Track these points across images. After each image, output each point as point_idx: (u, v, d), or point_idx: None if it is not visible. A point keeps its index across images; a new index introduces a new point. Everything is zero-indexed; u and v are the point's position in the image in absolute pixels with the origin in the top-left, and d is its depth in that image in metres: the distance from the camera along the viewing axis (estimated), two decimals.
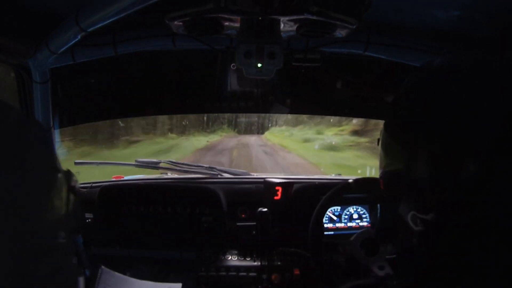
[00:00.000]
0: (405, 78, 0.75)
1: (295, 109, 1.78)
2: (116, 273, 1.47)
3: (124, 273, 1.50)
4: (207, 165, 1.92)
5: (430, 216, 0.62)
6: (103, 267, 1.45)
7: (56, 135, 1.51)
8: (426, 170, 0.62)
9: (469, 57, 0.64)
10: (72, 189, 0.55)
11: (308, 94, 1.72)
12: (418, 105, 0.67)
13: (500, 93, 0.57)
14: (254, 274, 1.58)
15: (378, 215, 1.71)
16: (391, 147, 0.72)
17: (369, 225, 1.73)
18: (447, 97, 0.61)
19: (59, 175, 0.52)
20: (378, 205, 1.72)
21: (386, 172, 0.75)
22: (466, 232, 0.56)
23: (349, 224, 1.73)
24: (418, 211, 0.64)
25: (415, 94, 0.70)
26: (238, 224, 1.69)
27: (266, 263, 1.58)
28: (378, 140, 0.78)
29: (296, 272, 1.57)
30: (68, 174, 0.55)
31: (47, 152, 0.52)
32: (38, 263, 0.46)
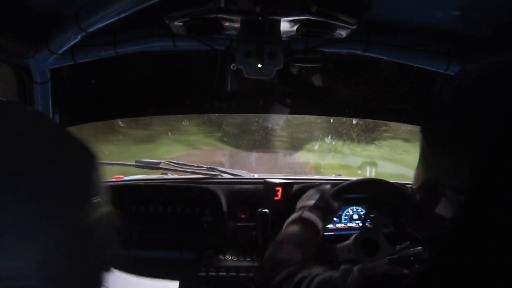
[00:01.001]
0: (406, 79, 0.75)
1: (295, 109, 1.77)
2: (115, 271, 1.47)
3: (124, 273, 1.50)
4: (207, 166, 1.92)
5: (460, 199, 0.62)
6: None
7: None
8: (471, 180, 0.61)
9: (507, 63, 0.64)
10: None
11: (308, 95, 1.72)
12: (464, 115, 0.66)
13: None
14: (254, 274, 1.58)
15: (380, 215, 1.71)
16: (434, 159, 0.72)
17: (369, 225, 1.73)
18: (487, 106, 0.61)
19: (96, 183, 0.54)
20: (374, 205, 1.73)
21: (426, 182, 0.75)
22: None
23: (349, 224, 1.73)
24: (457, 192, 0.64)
25: (458, 105, 0.69)
26: (238, 224, 1.69)
27: None
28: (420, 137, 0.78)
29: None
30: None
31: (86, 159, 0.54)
32: (78, 258, 0.48)
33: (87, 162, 0.53)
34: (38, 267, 0.42)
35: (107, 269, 0.57)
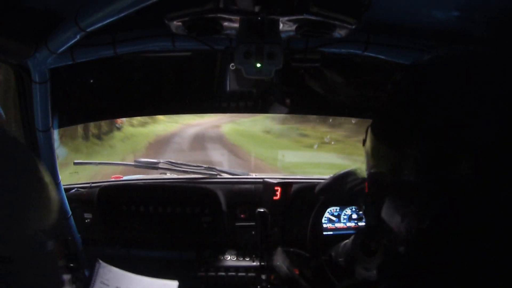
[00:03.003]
0: (392, 77, 0.73)
1: (295, 109, 1.78)
2: (113, 268, 1.47)
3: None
4: (206, 165, 1.92)
5: (425, 224, 0.59)
6: (100, 261, 1.45)
7: (56, 135, 1.51)
8: (414, 172, 0.59)
9: (458, 53, 0.63)
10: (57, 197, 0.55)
11: (308, 94, 1.72)
12: (407, 104, 0.64)
13: (490, 89, 0.56)
14: (253, 274, 1.58)
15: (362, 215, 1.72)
16: (378, 149, 0.70)
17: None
18: (436, 95, 0.60)
19: (46, 188, 0.52)
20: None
21: (371, 174, 0.72)
22: (461, 236, 0.56)
23: (348, 224, 1.73)
24: (403, 208, 0.62)
25: (403, 93, 0.67)
26: (237, 224, 1.69)
27: (265, 263, 1.58)
28: (364, 140, 0.76)
29: (296, 272, 1.57)
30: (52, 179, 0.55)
31: (30, 162, 0.52)
32: (27, 270, 0.46)
33: (28, 168, 0.51)
34: None
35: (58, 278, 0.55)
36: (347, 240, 1.39)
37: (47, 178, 0.53)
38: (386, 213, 0.65)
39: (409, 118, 0.62)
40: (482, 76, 0.58)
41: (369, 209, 0.77)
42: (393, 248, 0.66)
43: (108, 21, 1.00)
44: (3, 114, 1.12)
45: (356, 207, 1.74)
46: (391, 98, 0.69)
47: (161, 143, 11.07)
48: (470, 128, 0.55)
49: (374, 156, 0.70)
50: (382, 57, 1.32)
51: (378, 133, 0.70)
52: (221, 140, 11.69)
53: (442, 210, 0.55)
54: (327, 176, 2.14)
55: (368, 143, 0.73)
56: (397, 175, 0.62)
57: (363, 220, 1.74)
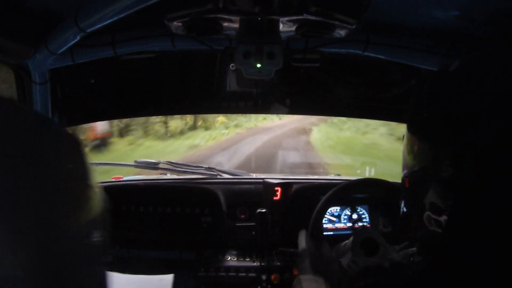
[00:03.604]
0: (405, 79, 0.78)
1: (295, 109, 1.78)
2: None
3: (123, 273, 1.50)
4: (206, 166, 1.92)
5: (443, 218, 0.63)
6: None
7: None
8: (450, 169, 0.63)
9: (488, 56, 0.65)
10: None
11: (308, 94, 1.72)
12: (441, 106, 0.68)
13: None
14: (253, 274, 1.58)
15: (380, 215, 1.71)
16: (416, 148, 0.74)
17: (368, 225, 1.73)
18: (467, 97, 0.62)
19: (90, 185, 0.52)
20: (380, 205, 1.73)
21: (412, 172, 0.76)
22: (480, 234, 0.56)
23: (348, 224, 1.73)
24: (432, 212, 0.66)
25: (436, 96, 0.71)
26: (237, 224, 1.69)
27: (266, 263, 1.58)
28: (403, 137, 0.80)
29: (296, 272, 1.57)
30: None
31: (77, 161, 0.52)
32: (71, 264, 0.46)
33: (74, 159, 0.51)
34: (15, 271, 0.41)
35: (102, 270, 0.55)
36: (347, 241, 1.39)
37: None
38: (428, 203, 0.69)
39: (443, 118, 0.66)
40: (508, 80, 0.60)
41: (409, 201, 0.83)
42: (431, 234, 0.69)
43: (108, 21, 1.00)
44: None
45: (357, 208, 1.74)
46: (425, 101, 0.74)
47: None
48: (494, 130, 0.58)
49: (414, 155, 0.75)
50: (382, 57, 1.33)
51: (416, 133, 0.75)
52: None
53: (477, 198, 0.58)
54: (327, 176, 2.15)
55: (406, 143, 0.77)
56: (437, 170, 0.66)
57: (364, 220, 1.74)
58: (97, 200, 0.55)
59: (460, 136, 0.61)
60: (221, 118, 11.24)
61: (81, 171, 0.51)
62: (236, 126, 11.41)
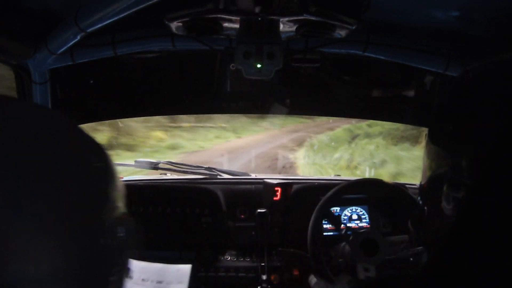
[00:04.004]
0: (405, 79, 0.78)
1: (295, 109, 1.78)
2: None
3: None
4: (206, 166, 1.92)
5: (462, 195, 0.64)
6: None
7: None
8: (468, 174, 0.63)
9: (507, 61, 0.65)
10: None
11: (308, 95, 1.72)
12: (460, 113, 0.68)
13: None
14: (253, 274, 1.58)
15: (379, 215, 1.71)
16: (437, 155, 0.75)
17: (368, 225, 1.73)
18: (487, 104, 0.62)
19: (113, 185, 0.53)
20: (377, 205, 1.72)
21: (431, 177, 0.77)
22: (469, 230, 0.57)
23: (348, 224, 1.73)
24: (445, 215, 0.67)
25: (457, 103, 0.71)
26: (237, 224, 1.69)
27: (265, 263, 1.58)
28: (425, 135, 0.81)
29: (295, 272, 1.57)
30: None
31: (102, 160, 0.53)
32: (99, 259, 0.47)
33: (101, 158, 0.53)
34: (53, 271, 0.41)
35: (126, 272, 0.56)
36: (347, 241, 1.39)
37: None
38: (444, 206, 0.70)
39: (462, 126, 0.66)
40: None
41: (426, 202, 0.85)
42: (444, 234, 0.70)
43: (108, 21, 1.00)
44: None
45: (357, 208, 1.74)
46: (445, 108, 0.74)
47: None
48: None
49: (434, 162, 0.76)
50: (382, 57, 1.33)
51: (435, 141, 0.75)
52: None
53: (489, 207, 0.58)
54: (327, 176, 2.15)
55: (427, 150, 0.78)
56: (454, 177, 0.66)
57: (364, 220, 1.74)
58: (122, 198, 0.56)
59: (483, 144, 0.61)
60: (158, 133, 8.36)
61: (107, 171, 0.53)
62: (173, 148, 8.06)
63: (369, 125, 10.59)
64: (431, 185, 0.77)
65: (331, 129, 11.13)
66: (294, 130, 10.70)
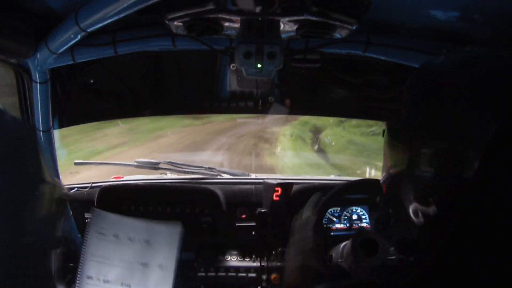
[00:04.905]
0: (406, 80, 0.76)
1: (295, 109, 1.78)
2: (110, 214, 1.44)
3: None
4: (207, 166, 1.92)
5: (431, 210, 0.63)
6: (95, 209, 1.44)
7: (56, 136, 1.51)
8: (430, 170, 0.62)
9: (469, 55, 0.64)
10: (59, 197, 0.57)
11: (308, 95, 1.72)
12: (420, 105, 0.67)
13: (500, 91, 0.57)
14: (253, 274, 1.58)
15: (377, 215, 1.71)
16: (394, 148, 0.73)
17: (368, 226, 1.73)
18: (447, 96, 0.62)
19: (44, 183, 0.53)
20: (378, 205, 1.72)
21: (389, 175, 0.75)
22: (466, 232, 0.56)
23: (349, 225, 1.73)
24: (419, 203, 0.65)
25: (416, 94, 0.70)
26: (237, 224, 1.69)
27: (266, 263, 1.58)
28: (383, 131, 0.79)
29: None
30: (55, 183, 0.56)
31: (36, 160, 0.53)
32: (29, 261, 0.47)
33: (31, 148, 0.53)
34: None
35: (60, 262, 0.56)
36: (347, 241, 1.39)
37: (49, 177, 0.55)
38: (404, 205, 0.69)
39: (423, 119, 0.65)
40: (487, 79, 0.59)
41: (386, 203, 0.82)
42: (409, 234, 0.70)
43: (109, 21, 1.01)
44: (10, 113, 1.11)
45: (357, 208, 1.74)
46: (405, 100, 0.73)
47: None
48: (478, 128, 0.57)
49: (392, 156, 0.74)
50: (382, 57, 1.33)
51: (395, 134, 0.73)
52: None
53: (454, 204, 0.58)
54: (327, 177, 2.15)
55: (385, 144, 0.77)
56: (413, 173, 0.65)
57: (364, 220, 1.74)
58: (56, 195, 0.56)
59: (444, 139, 0.60)
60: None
61: (36, 166, 0.53)
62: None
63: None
64: (392, 183, 0.75)
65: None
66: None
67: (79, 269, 1.34)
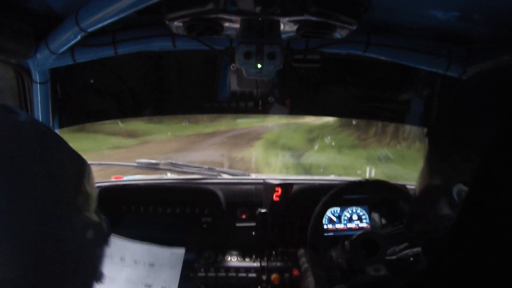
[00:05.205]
0: (406, 80, 0.77)
1: (295, 110, 1.78)
2: (117, 238, 1.47)
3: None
4: (207, 166, 1.92)
5: (452, 223, 0.63)
6: None
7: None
8: (464, 180, 0.64)
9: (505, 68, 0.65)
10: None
11: (308, 95, 1.72)
12: (465, 119, 0.68)
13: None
14: (253, 275, 1.58)
15: (378, 216, 1.71)
16: (437, 157, 0.75)
17: (368, 226, 1.73)
18: (493, 110, 0.62)
19: (85, 187, 0.55)
20: (379, 206, 1.72)
21: (429, 179, 0.77)
22: (466, 231, 0.56)
23: (349, 225, 1.73)
24: (442, 216, 0.66)
25: (460, 108, 0.71)
26: (237, 225, 1.68)
27: (266, 264, 1.58)
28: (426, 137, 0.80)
29: (295, 272, 1.57)
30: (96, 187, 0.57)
31: (76, 162, 0.55)
32: (67, 258, 0.48)
33: (78, 171, 0.54)
34: (23, 273, 0.42)
35: (96, 275, 0.57)
36: (347, 241, 1.39)
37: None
38: (440, 206, 0.71)
39: (463, 131, 0.67)
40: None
41: (421, 203, 0.83)
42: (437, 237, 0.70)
43: (109, 21, 1.01)
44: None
45: (357, 208, 1.74)
46: (445, 111, 0.74)
47: None
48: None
49: (433, 163, 0.76)
50: (382, 57, 1.33)
51: (437, 144, 0.75)
52: None
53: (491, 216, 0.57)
54: (327, 177, 2.15)
55: (427, 151, 0.78)
56: (451, 182, 0.67)
57: (364, 220, 1.74)
58: (93, 204, 0.57)
59: (485, 151, 0.61)
60: None
61: (78, 177, 0.53)
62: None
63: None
64: (429, 186, 0.77)
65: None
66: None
67: None
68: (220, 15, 1.01)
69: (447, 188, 0.69)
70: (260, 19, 1.03)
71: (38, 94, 1.32)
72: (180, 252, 1.49)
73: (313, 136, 10.07)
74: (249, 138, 10.09)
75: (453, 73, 1.28)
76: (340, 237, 1.68)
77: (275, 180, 1.71)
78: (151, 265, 1.46)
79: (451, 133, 0.71)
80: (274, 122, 10.52)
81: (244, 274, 1.57)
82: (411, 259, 1.39)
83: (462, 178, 0.66)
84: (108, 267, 1.41)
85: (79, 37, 1.10)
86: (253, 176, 1.96)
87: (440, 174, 0.73)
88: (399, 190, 1.54)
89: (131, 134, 8.61)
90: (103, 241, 0.61)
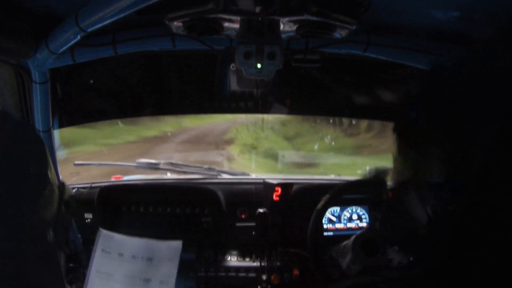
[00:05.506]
0: (406, 79, 0.77)
1: (295, 109, 1.78)
2: (115, 234, 1.48)
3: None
4: (207, 166, 1.92)
5: (438, 210, 0.63)
6: (101, 230, 1.47)
7: (56, 136, 1.51)
8: (438, 172, 0.63)
9: (478, 57, 0.65)
10: (65, 201, 0.57)
11: (308, 95, 1.72)
12: (428, 107, 0.67)
13: (508, 93, 0.57)
14: (253, 274, 1.58)
15: (380, 215, 1.71)
16: (403, 150, 0.74)
17: (368, 226, 1.73)
18: (456, 98, 0.62)
19: (50, 186, 0.53)
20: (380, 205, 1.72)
21: (397, 177, 0.77)
22: (466, 231, 0.56)
23: (349, 225, 1.73)
24: (427, 203, 0.65)
25: (425, 96, 0.70)
26: (237, 224, 1.69)
27: (266, 263, 1.58)
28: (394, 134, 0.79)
29: (296, 272, 1.57)
30: (62, 186, 0.56)
31: (41, 162, 0.53)
32: (28, 258, 0.47)
33: (39, 154, 0.52)
34: None
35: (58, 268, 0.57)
36: (347, 241, 1.39)
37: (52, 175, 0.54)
38: (411, 204, 0.69)
39: (432, 120, 0.65)
40: (497, 81, 0.59)
41: (393, 203, 0.83)
42: (414, 232, 0.70)
43: (109, 21, 1.00)
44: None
45: (357, 208, 1.74)
46: (413, 102, 0.73)
47: None
48: (482, 131, 0.57)
49: (399, 158, 0.74)
50: (382, 57, 1.32)
51: (402, 135, 0.74)
52: None
53: (462, 203, 0.57)
54: (327, 176, 2.15)
55: (394, 146, 0.77)
56: (421, 173, 0.66)
57: (364, 220, 1.74)
58: (55, 200, 0.56)
59: (459, 138, 0.60)
60: None
61: (43, 171, 0.52)
62: None
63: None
64: (400, 184, 0.76)
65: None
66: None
67: (85, 285, 1.38)
68: (220, 15, 1.00)
69: (416, 183, 0.68)
70: (260, 19, 1.03)
71: (38, 94, 1.32)
72: (177, 244, 1.49)
73: (291, 135, 8.37)
74: (212, 142, 8.41)
75: None
76: (340, 236, 1.68)
77: (275, 179, 1.71)
78: (149, 259, 1.47)
79: (419, 125, 0.70)
80: (220, 119, 8.71)
81: (244, 274, 1.58)
82: (411, 259, 1.39)
83: (428, 173, 0.66)
84: (107, 263, 1.43)
85: (79, 37, 1.09)
86: (253, 176, 1.96)
87: (406, 171, 0.73)
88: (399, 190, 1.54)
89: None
90: (66, 243, 0.61)
